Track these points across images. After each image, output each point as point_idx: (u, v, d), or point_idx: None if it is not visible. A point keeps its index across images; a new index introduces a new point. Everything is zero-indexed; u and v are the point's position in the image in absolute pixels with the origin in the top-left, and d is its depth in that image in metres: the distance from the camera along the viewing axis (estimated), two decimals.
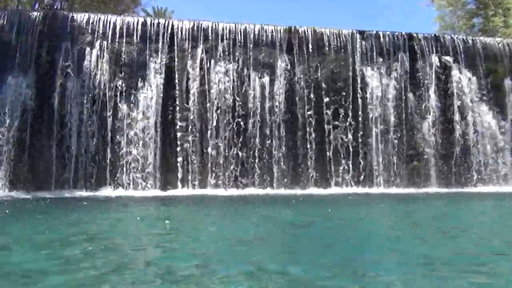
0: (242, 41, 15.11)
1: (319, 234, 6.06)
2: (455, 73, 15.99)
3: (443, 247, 4.89)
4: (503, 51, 16.57)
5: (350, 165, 14.68)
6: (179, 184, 13.66)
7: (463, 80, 15.94)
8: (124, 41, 14.44)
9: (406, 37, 16.11)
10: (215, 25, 15.21)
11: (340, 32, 15.85)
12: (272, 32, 15.45)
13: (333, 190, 14.20)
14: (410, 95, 15.62)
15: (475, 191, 14.42)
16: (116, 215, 8.49)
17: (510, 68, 16.44)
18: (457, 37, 16.92)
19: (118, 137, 13.69)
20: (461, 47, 16.35)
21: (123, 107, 13.89)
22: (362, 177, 14.68)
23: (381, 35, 16.01)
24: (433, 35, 16.79)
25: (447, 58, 16.12)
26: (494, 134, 15.65)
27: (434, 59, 16.00)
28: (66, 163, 13.35)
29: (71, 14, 14.83)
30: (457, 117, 15.61)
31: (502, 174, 15.38)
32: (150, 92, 14.10)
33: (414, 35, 16.25)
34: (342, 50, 15.63)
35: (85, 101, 13.63)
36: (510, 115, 15.86)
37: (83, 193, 12.63)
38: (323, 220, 7.62)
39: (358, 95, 15.24)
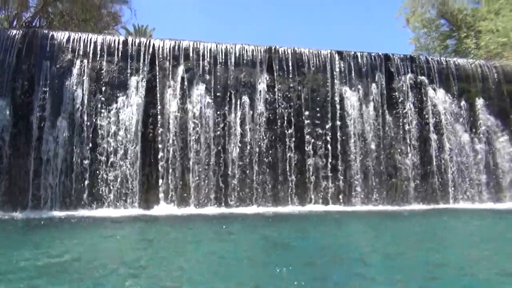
0: (223, 61, 15.30)
1: (299, 253, 6.14)
2: (430, 92, 16.49)
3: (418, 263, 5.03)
4: (475, 72, 17.18)
5: (330, 183, 14.86)
6: (160, 202, 13.59)
7: (438, 99, 16.43)
8: (105, 59, 14.46)
9: (383, 57, 16.57)
10: (196, 45, 15.37)
11: (319, 52, 16.21)
12: (253, 51, 15.69)
13: (313, 207, 14.33)
14: (387, 113, 16.00)
15: (451, 208, 14.75)
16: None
17: (482, 89, 17.03)
18: (431, 58, 17.47)
19: (97, 155, 13.58)
20: (435, 67, 16.89)
21: (103, 126, 13.83)
22: (341, 195, 14.86)
23: (358, 56, 16.42)
24: (408, 56, 17.30)
25: (422, 78, 16.62)
26: (468, 152, 16.10)
27: (410, 79, 16.47)
28: (43, 182, 13.16)
29: (51, 32, 14.79)
30: (433, 135, 16.03)
31: (477, 191, 15.78)
32: (130, 111, 14.09)
33: (391, 55, 16.73)
34: (321, 70, 15.96)
35: (64, 120, 13.53)
36: (482, 134, 16.36)
37: (60, 213, 12.44)
38: (302, 239, 7.70)
39: (337, 114, 15.53)
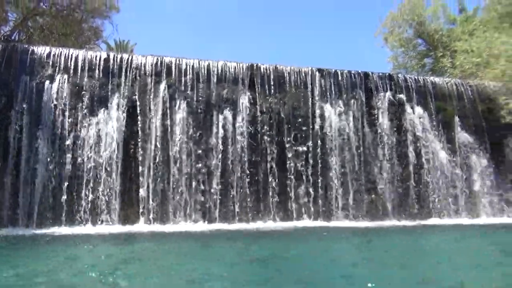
0: (206, 77, 15.38)
1: (280, 269, 6.16)
2: (408, 110, 16.85)
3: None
4: (451, 91, 17.67)
5: (311, 199, 14.96)
6: (140, 219, 13.44)
7: (416, 117, 16.80)
8: (86, 75, 14.39)
9: (362, 75, 16.92)
10: (179, 61, 15.44)
11: (300, 69, 16.47)
12: (235, 68, 15.83)
13: (295, 223, 14.37)
14: (367, 130, 16.27)
15: (429, 224, 14.98)
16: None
17: (458, 107, 17.50)
18: (409, 77, 17.91)
19: (77, 171, 13.40)
20: (413, 86, 17.31)
21: (84, 142, 13.68)
22: (321, 210, 14.95)
23: (339, 73, 16.73)
24: (387, 74, 17.70)
25: (401, 96, 16.99)
26: (446, 168, 16.45)
27: (389, 96, 16.83)
28: (21, 199, 12.89)
29: (31, 47, 14.67)
30: (411, 152, 16.33)
31: (455, 207, 16.08)
32: (111, 127, 13.99)
33: (370, 73, 17.09)
34: (302, 87, 16.19)
35: (44, 135, 13.35)
36: (459, 151, 16.75)
37: (37, 231, 12.17)
38: (283, 255, 7.73)
39: (318, 131, 15.72)
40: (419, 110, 16.97)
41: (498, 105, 16.87)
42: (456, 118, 17.11)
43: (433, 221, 15.43)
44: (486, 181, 16.58)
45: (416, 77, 17.99)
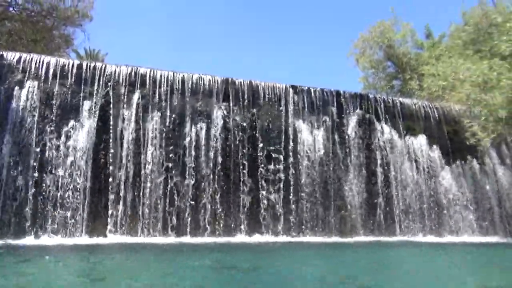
0: (180, 89, 15.36)
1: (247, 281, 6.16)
2: (377, 129, 17.31)
3: None
4: (419, 112, 18.30)
5: (282, 214, 15.03)
6: (108, 231, 13.11)
7: (385, 135, 17.27)
8: (57, 82, 14.09)
9: (334, 93, 17.30)
10: (153, 72, 15.36)
11: (275, 85, 16.69)
12: (210, 82, 15.89)
13: (264, 238, 14.37)
14: (338, 147, 16.57)
15: (396, 241, 15.29)
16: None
17: (425, 127, 18.12)
18: (379, 97, 18.45)
19: (44, 181, 13.00)
20: (382, 105, 17.84)
21: (52, 150, 13.32)
22: (292, 226, 15.03)
23: (312, 91, 17.06)
24: (358, 93, 18.17)
25: (370, 115, 17.46)
26: (412, 186, 16.91)
27: (359, 115, 17.26)
28: None
29: (0, 52, 14.27)
30: (379, 169, 16.73)
31: (420, 225, 16.50)
32: (82, 136, 13.70)
33: (341, 92, 17.50)
34: (276, 103, 16.39)
35: (10, 143, 12.91)
36: (425, 170, 17.28)
37: (2, 242, 11.68)
38: (253, 268, 7.72)
39: (290, 146, 15.90)
40: (388, 129, 17.46)
41: (463, 127, 17.57)
42: (423, 138, 17.68)
43: (399, 238, 15.77)
44: (451, 201, 17.12)
45: (385, 98, 18.55)
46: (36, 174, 12.89)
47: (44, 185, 12.94)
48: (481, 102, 16.01)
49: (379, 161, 16.84)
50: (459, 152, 17.84)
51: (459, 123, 17.94)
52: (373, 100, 17.92)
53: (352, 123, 17.10)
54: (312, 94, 17.06)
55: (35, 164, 12.99)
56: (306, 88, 17.13)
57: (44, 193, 12.89)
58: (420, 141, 17.68)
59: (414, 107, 18.33)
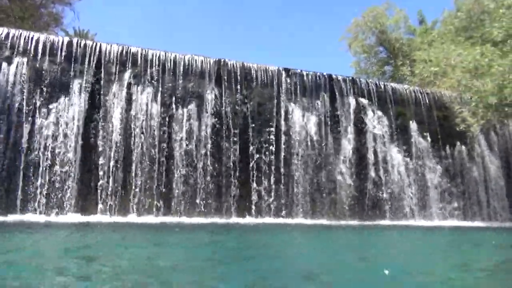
0: (172, 69, 15.20)
1: (240, 258, 6.19)
2: (369, 113, 17.37)
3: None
4: (410, 97, 18.38)
5: (272, 196, 15.09)
6: (98, 210, 13.06)
7: (376, 121, 17.34)
8: (46, 59, 13.85)
9: (327, 77, 17.28)
10: (145, 51, 15.17)
11: (267, 68, 16.60)
12: (202, 63, 15.75)
13: (255, 220, 14.45)
14: (329, 131, 16.62)
15: (382, 224, 15.48)
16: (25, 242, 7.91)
17: (415, 112, 18.22)
18: (371, 81, 18.48)
19: (34, 158, 12.85)
20: (374, 90, 17.87)
21: (42, 127, 13.15)
22: (283, 208, 15.12)
23: (304, 74, 17.01)
24: (350, 77, 18.17)
25: (362, 99, 17.49)
26: (402, 171, 17.07)
27: (351, 99, 17.28)
28: None
29: None
30: (370, 154, 16.83)
31: (408, 209, 16.71)
32: (71, 114, 13.53)
33: (334, 76, 17.48)
34: (269, 85, 16.33)
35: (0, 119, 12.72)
36: (415, 155, 17.44)
37: None
38: (243, 246, 7.77)
39: (282, 129, 15.90)
40: (379, 114, 17.52)
41: (453, 113, 17.70)
42: (414, 123, 17.80)
43: (387, 222, 15.96)
44: (439, 186, 17.33)
45: (377, 82, 18.58)
46: (25, 151, 12.73)
47: (33, 162, 12.80)
48: (472, 88, 16.12)
49: (369, 146, 16.93)
50: (448, 138, 18.00)
51: (449, 109, 18.07)
52: (365, 84, 17.95)
53: (344, 107, 17.12)
54: (305, 78, 17.02)
55: (24, 141, 12.83)
56: (299, 71, 17.07)
57: (33, 170, 12.75)
58: (409, 126, 17.79)
59: (405, 92, 18.40)
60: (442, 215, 16.96)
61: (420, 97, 18.51)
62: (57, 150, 13.09)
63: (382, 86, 18.31)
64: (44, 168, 12.83)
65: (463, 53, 17.47)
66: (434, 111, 18.26)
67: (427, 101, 18.45)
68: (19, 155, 12.71)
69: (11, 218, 11.70)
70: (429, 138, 17.69)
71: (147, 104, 14.46)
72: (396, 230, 13.86)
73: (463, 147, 18.03)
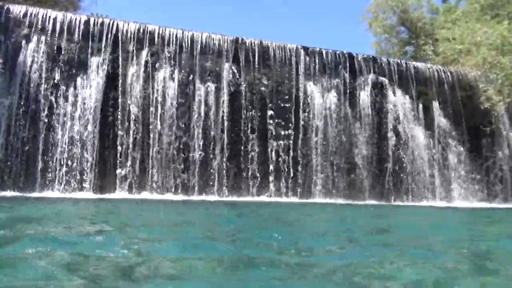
0: (189, 48, 15.04)
1: (257, 228, 6.10)
2: (390, 93, 16.96)
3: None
4: (432, 76, 17.85)
5: (291, 176, 14.94)
6: (116, 188, 13.13)
7: (397, 100, 16.93)
8: (64, 37, 13.83)
9: (347, 56, 16.89)
10: (162, 30, 15.03)
11: (285, 46, 16.29)
12: (219, 41, 15.53)
13: (273, 199, 14.34)
14: (349, 111, 16.31)
15: (405, 205, 15.19)
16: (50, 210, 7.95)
17: (437, 92, 17.71)
18: (392, 60, 18.01)
19: (52, 136, 12.95)
20: (395, 69, 17.40)
21: (60, 106, 13.21)
22: (301, 187, 14.97)
23: (323, 52, 16.65)
24: (371, 56, 17.74)
25: (383, 78, 17.07)
26: (423, 152, 16.69)
27: (372, 78, 16.88)
28: None
29: (6, 5, 13.97)
30: (390, 134, 16.48)
31: (430, 190, 16.36)
32: (89, 92, 13.55)
33: (354, 55, 17.07)
34: (287, 64, 16.05)
35: (18, 97, 12.80)
36: (437, 136, 17.01)
37: (8, 193, 11.75)
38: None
39: (300, 109, 15.66)
40: (400, 93, 17.10)
41: (477, 92, 17.16)
42: (436, 103, 17.33)
43: (408, 202, 15.66)
44: (462, 167, 16.91)
45: (399, 61, 18.11)
46: (44, 129, 12.82)
47: (52, 140, 12.90)
48: (498, 65, 15.56)
49: (390, 126, 16.57)
50: (472, 118, 17.48)
51: (473, 88, 17.51)
52: (386, 63, 17.49)
53: (364, 86, 16.75)
54: (324, 56, 16.66)
55: (43, 119, 12.92)
56: (318, 49, 16.72)
57: (52, 149, 12.85)
58: (432, 106, 17.33)
59: (427, 71, 17.87)
60: (464, 196, 16.55)
61: (443, 76, 17.96)
62: (75, 128, 13.15)
63: (404, 65, 17.82)
64: (62, 146, 12.90)
65: (489, 30, 16.85)
66: (457, 91, 17.70)
67: (450, 80, 17.89)
68: (38, 133, 12.80)
69: (32, 194, 11.83)
70: (451, 118, 17.20)
71: (164, 83, 14.38)
72: (413, 209, 13.60)
73: (487, 127, 17.49)
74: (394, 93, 17.05)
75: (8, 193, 11.74)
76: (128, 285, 2.69)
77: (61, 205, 9.23)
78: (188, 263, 3.41)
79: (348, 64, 16.81)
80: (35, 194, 12.01)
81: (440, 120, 17.17)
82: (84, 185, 12.81)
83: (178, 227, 5.76)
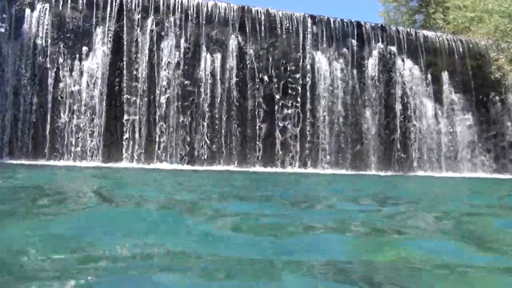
0: (195, 16, 14.81)
1: (268, 190, 6.11)
2: (398, 62, 16.69)
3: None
4: (442, 45, 17.50)
5: (298, 146, 14.91)
6: (123, 157, 13.19)
7: (406, 70, 16.68)
8: (68, 5, 13.65)
9: (355, 24, 16.57)
10: None
11: (292, 15, 15.99)
12: (225, 9, 15.26)
13: (280, 169, 14.36)
14: (356, 80, 16.11)
15: (412, 175, 15.15)
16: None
17: (448, 62, 17.40)
18: (401, 29, 17.65)
19: (59, 106, 12.95)
20: (404, 38, 17.07)
21: (66, 76, 13.14)
22: (308, 158, 14.95)
23: (331, 21, 16.33)
24: (379, 24, 17.39)
25: (392, 48, 16.77)
26: (431, 122, 16.54)
27: (380, 47, 16.59)
28: (1, 132, 12.45)
29: None
30: (398, 104, 16.31)
31: (437, 161, 16.30)
32: (95, 61, 13.44)
33: (362, 23, 16.74)
34: (294, 33, 15.78)
35: (23, 67, 12.74)
36: (446, 106, 16.82)
37: (16, 161, 11.86)
38: (268, 183, 7.70)
39: (307, 78, 15.48)
40: (409, 63, 16.83)
41: (488, 61, 16.85)
42: (445, 73, 17.06)
43: (415, 173, 15.62)
44: (470, 137, 16.77)
45: (408, 30, 17.74)
46: (50, 100, 12.81)
47: (59, 110, 12.90)
48: (510, 33, 15.19)
49: (398, 96, 16.39)
50: (481, 88, 17.23)
51: (484, 57, 17.18)
52: (395, 32, 17.16)
53: (372, 55, 16.48)
54: (332, 25, 16.35)
55: (49, 89, 12.89)
56: (326, 18, 16.39)
57: (59, 119, 12.87)
58: (441, 76, 17.06)
59: (437, 40, 17.51)
60: (473, 167, 16.49)
61: (453, 45, 17.60)
62: (82, 98, 13.12)
63: (413, 34, 17.46)
64: (69, 116, 12.92)
65: None
66: (467, 60, 17.38)
67: (461, 50, 17.54)
68: (45, 103, 12.80)
69: (39, 162, 11.92)
70: (461, 88, 16.95)
71: (170, 52, 14.22)
72: (425, 180, 13.55)
73: (497, 97, 17.25)
74: (403, 62, 16.78)
75: (16, 161, 11.83)
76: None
77: (62, 172, 9.27)
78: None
79: (356, 33, 16.51)
80: (43, 162, 12.10)
81: (449, 90, 16.94)
82: (91, 155, 12.87)
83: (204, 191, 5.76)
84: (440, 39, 17.61)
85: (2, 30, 12.54)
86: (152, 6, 14.45)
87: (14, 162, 11.72)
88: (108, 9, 13.96)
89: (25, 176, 7.03)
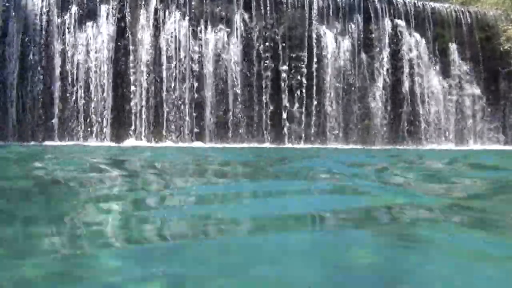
0: None
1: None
2: (405, 36, 16.47)
3: None
4: (450, 17, 17.21)
5: (304, 122, 14.90)
6: (131, 136, 13.26)
7: (413, 43, 16.46)
8: None
9: None
10: None
11: None
12: None
13: (287, 145, 14.39)
14: (363, 55, 15.96)
15: (420, 149, 15.11)
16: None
17: (455, 34, 17.13)
18: (408, 1, 17.34)
19: (66, 86, 12.98)
20: (412, 11, 16.80)
21: (71, 55, 13.13)
22: (315, 134, 14.95)
23: None
24: None
25: (399, 21, 16.53)
26: (439, 96, 16.42)
27: (387, 21, 16.36)
28: (7, 113, 12.53)
29: None
30: (406, 78, 16.16)
31: (445, 134, 16.22)
32: (101, 40, 13.40)
33: None
34: (299, 8, 15.58)
35: (28, 45, 12.74)
36: (454, 79, 16.64)
37: (28, 143, 11.98)
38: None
39: (314, 53, 15.34)
40: (417, 36, 16.60)
41: (497, 33, 16.58)
42: (453, 46, 16.83)
43: (423, 147, 15.57)
44: (478, 110, 16.66)
45: (415, 2, 17.42)
46: (57, 80, 12.84)
47: (66, 90, 12.94)
48: None
49: (405, 69, 16.22)
50: (490, 60, 16.99)
51: (493, 28, 16.89)
52: (402, 5, 16.86)
53: (379, 29, 16.27)
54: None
55: (56, 69, 12.91)
56: None
57: (66, 99, 12.92)
58: (449, 49, 16.84)
59: (445, 12, 17.20)
60: (481, 140, 16.42)
61: (461, 17, 17.30)
62: (89, 77, 13.14)
63: (421, 6, 17.16)
64: (77, 96, 12.96)
65: None
66: (475, 32, 17.10)
67: (469, 21, 17.24)
68: (53, 83, 12.83)
69: (49, 143, 12.03)
70: (469, 61, 16.73)
71: (175, 29, 14.13)
72: (432, 153, 13.51)
73: (505, 69, 17.02)
74: (410, 35, 16.55)
75: (28, 143, 11.95)
76: None
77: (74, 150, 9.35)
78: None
79: (362, 7, 16.27)
80: (52, 143, 12.20)
81: (457, 62, 16.73)
82: (99, 134, 12.96)
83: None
84: (448, 10, 17.31)
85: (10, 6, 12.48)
86: None
87: (24, 144, 11.82)
88: None
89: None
